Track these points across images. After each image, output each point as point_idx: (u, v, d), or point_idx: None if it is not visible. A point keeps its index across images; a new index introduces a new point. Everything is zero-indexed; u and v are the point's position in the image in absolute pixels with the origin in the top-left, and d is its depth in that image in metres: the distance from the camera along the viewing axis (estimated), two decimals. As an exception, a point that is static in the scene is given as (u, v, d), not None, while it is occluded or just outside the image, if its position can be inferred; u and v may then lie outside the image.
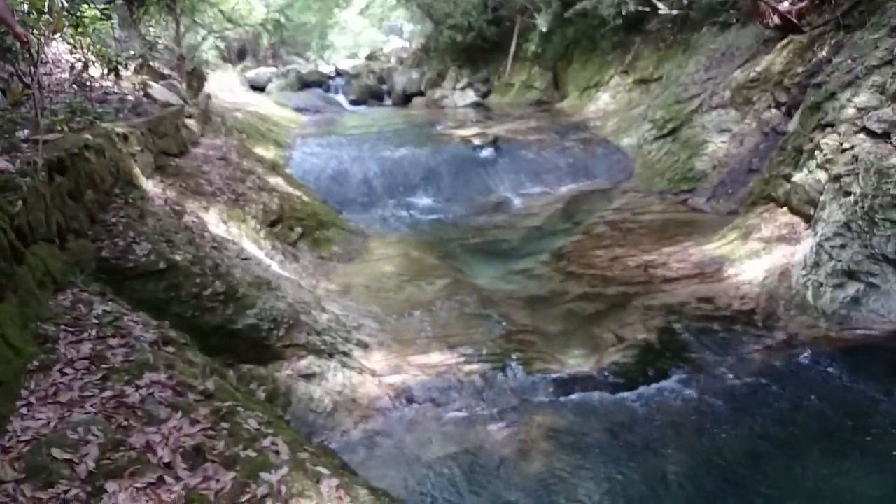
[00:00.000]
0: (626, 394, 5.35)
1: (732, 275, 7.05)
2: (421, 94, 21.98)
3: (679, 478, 4.43)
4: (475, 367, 5.74)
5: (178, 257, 5.16)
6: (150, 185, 6.47)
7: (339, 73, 25.80)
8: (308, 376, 5.37)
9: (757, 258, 7.13)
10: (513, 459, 4.70)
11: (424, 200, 11.39)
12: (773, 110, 9.85)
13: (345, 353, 5.81)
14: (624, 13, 14.52)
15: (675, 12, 14.19)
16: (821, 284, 6.15)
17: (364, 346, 6.11)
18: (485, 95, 20.19)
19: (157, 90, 8.84)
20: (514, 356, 5.85)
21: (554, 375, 5.57)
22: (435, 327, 6.55)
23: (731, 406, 5.13)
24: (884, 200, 5.82)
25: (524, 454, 4.75)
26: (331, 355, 5.67)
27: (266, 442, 3.07)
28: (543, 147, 12.83)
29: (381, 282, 7.75)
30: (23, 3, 6.12)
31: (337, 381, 5.43)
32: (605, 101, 15.30)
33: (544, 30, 17.74)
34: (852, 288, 5.98)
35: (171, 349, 3.78)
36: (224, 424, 3.10)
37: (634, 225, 9.29)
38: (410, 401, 5.40)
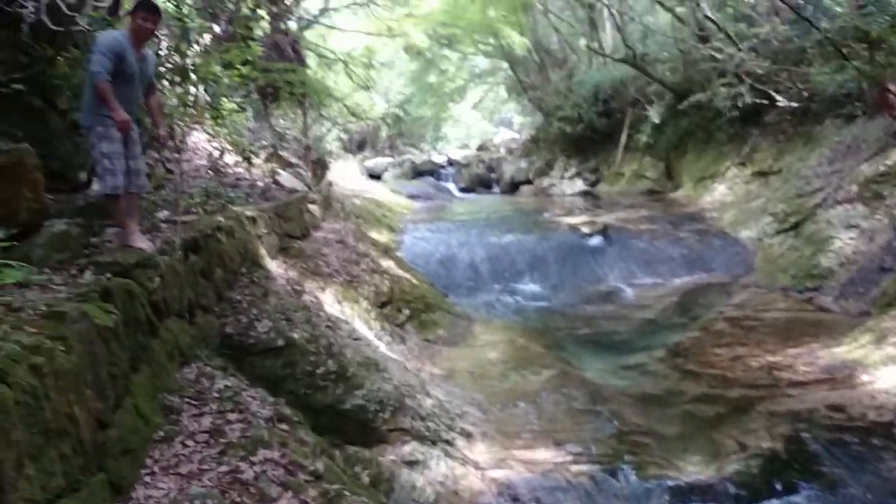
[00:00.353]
0: (750, 508, 4.90)
1: (866, 381, 6.43)
2: (529, 182, 22.27)
3: None
4: (584, 467, 5.44)
5: (295, 335, 5.34)
6: (274, 266, 6.81)
7: (450, 163, 26.83)
8: (411, 463, 5.29)
9: (894, 365, 6.49)
10: (624, 573, 4.37)
11: (530, 287, 11.27)
12: (908, 206, 9.22)
13: (448, 442, 5.70)
14: (740, 105, 14.29)
15: (794, 104, 13.79)
16: (975, 398, 5.50)
17: (467, 435, 5.99)
18: (593, 184, 20.11)
19: (285, 177, 9.47)
20: (626, 458, 5.51)
21: (670, 483, 5.17)
22: (541, 421, 6.33)
23: (872, 531, 4.58)
24: None
25: (637, 568, 4.41)
26: (434, 443, 5.58)
27: (371, 531, 3.02)
28: (656, 237, 12.52)
29: (485, 368, 7.66)
30: (171, 98, 6.85)
31: (439, 471, 5.31)
32: (722, 193, 14.86)
33: (657, 121, 17.66)
34: None
35: (284, 427, 3.86)
36: (331, 509, 3.09)
37: (756, 323, 8.75)
38: (515, 499, 5.15)
